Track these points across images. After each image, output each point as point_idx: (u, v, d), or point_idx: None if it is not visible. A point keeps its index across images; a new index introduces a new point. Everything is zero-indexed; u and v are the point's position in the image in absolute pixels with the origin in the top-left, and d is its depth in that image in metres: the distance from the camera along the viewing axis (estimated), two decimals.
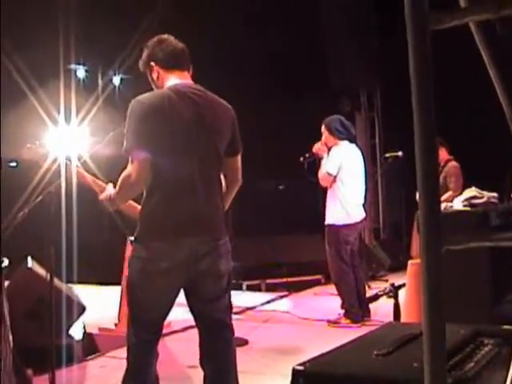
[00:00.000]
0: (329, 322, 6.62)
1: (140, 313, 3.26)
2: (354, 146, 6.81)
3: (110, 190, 3.38)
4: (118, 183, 3.21)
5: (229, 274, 3.36)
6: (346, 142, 6.68)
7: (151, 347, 3.28)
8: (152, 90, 3.49)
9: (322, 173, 6.62)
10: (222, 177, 3.44)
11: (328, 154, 6.66)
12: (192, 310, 3.39)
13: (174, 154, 3.18)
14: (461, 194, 5.25)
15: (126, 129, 3.18)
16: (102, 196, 3.39)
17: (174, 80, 3.37)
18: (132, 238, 3.26)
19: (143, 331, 3.25)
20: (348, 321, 6.49)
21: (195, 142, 3.22)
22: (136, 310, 3.27)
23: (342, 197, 6.58)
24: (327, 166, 6.57)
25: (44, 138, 3.94)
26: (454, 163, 8.01)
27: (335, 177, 6.55)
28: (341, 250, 6.56)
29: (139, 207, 3.30)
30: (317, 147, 6.77)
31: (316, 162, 6.83)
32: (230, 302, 3.45)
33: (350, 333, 5.37)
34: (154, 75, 3.42)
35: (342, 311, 6.60)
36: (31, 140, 3.82)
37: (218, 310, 3.36)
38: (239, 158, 3.51)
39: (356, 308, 6.52)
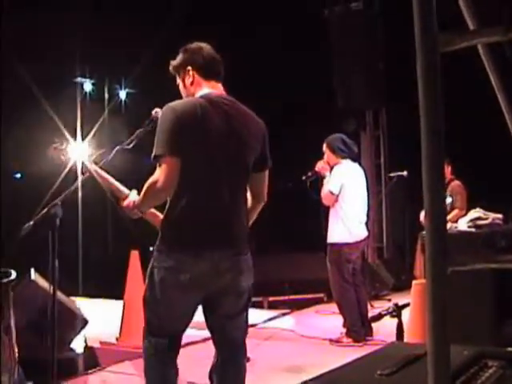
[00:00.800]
0: (331, 340, 6.59)
1: (158, 324, 3.21)
2: (356, 164, 6.82)
3: (133, 196, 3.32)
4: (144, 189, 3.13)
5: (249, 290, 3.32)
6: (347, 161, 6.68)
7: (171, 360, 3.25)
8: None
9: (324, 192, 6.62)
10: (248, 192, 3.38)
11: (330, 172, 6.65)
12: (209, 326, 3.34)
13: (202, 164, 3.12)
14: (466, 214, 5.26)
15: (156, 134, 3.12)
16: (125, 203, 3.32)
17: (207, 89, 3.33)
18: (151, 249, 3.22)
19: (162, 343, 3.21)
20: (350, 339, 6.46)
21: (225, 153, 3.17)
22: (154, 321, 3.22)
23: (344, 215, 6.57)
24: (329, 185, 6.57)
25: (63, 143, 3.94)
26: (457, 182, 8.03)
27: (337, 196, 6.54)
28: (342, 269, 6.54)
29: (160, 216, 3.26)
30: (319, 166, 6.77)
31: (319, 180, 6.83)
32: (247, 322, 3.42)
33: (353, 352, 5.35)
34: (188, 80, 3.37)
35: (344, 330, 6.57)
36: (54, 141, 3.83)
37: (235, 328, 3.33)
38: (267, 174, 3.44)
39: (358, 327, 6.49)
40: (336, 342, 6.52)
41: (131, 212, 3.31)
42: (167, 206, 3.16)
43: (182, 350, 5.97)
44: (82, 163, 3.74)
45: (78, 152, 4.03)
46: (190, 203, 3.09)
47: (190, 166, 3.08)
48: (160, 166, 3.06)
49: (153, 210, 3.36)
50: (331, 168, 6.69)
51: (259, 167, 3.35)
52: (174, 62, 3.46)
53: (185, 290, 3.10)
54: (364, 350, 3.11)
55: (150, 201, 3.19)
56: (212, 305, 3.25)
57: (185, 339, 5.92)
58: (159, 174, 3.05)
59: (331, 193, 6.54)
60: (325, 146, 6.75)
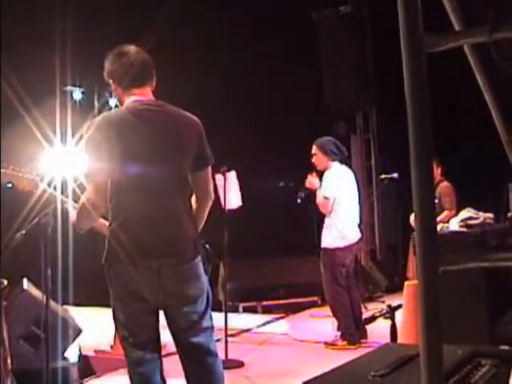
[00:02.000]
0: (326, 343, 6.59)
1: (127, 335, 3.21)
2: (345, 166, 6.84)
3: (72, 213, 3.37)
4: (77, 209, 3.20)
5: (202, 297, 3.23)
6: (337, 163, 6.70)
7: (155, 369, 3.23)
8: None
9: (319, 200, 6.62)
10: (193, 196, 3.35)
11: (320, 179, 6.65)
12: (173, 338, 3.31)
13: (132, 176, 3.11)
14: (456, 214, 5.28)
15: (85, 151, 3.12)
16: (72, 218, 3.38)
17: (133, 97, 3.27)
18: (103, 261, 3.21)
19: (138, 353, 3.19)
20: (345, 342, 6.46)
21: (155, 161, 3.14)
22: (123, 332, 3.22)
23: (336, 220, 6.58)
24: (323, 191, 6.58)
25: (40, 159, 3.92)
26: (445, 183, 8.04)
27: (333, 199, 6.54)
28: (336, 273, 6.55)
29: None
30: (309, 180, 6.75)
31: (310, 196, 6.83)
32: (210, 326, 3.31)
33: (347, 354, 5.35)
34: (114, 91, 3.36)
35: (339, 333, 6.57)
36: (24, 165, 3.80)
37: (194, 336, 3.24)
38: (208, 171, 3.39)
39: (352, 330, 6.49)
40: (331, 345, 6.52)
41: (77, 228, 3.34)
42: (109, 220, 3.18)
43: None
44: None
45: (67, 161, 4.02)
46: (125, 216, 3.10)
47: (121, 180, 3.10)
48: (89, 182, 3.12)
49: (102, 221, 3.34)
50: (321, 172, 6.69)
51: (199, 166, 3.32)
52: (104, 75, 3.42)
53: (133, 300, 3.12)
54: (358, 353, 3.11)
55: (84, 218, 3.23)
56: (167, 316, 3.23)
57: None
58: (89, 192, 3.11)
59: (325, 197, 6.55)
60: (315, 148, 6.75)
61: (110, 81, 3.35)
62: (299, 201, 6.96)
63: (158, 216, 3.13)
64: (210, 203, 3.43)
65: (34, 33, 9.36)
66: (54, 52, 9.29)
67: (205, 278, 3.26)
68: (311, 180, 6.74)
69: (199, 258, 3.22)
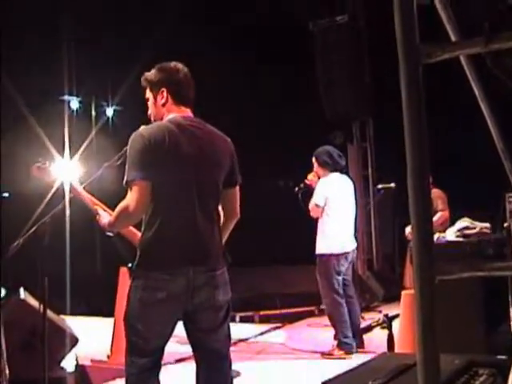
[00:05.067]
0: (322, 354, 6.58)
1: (138, 342, 3.24)
2: (343, 176, 6.86)
3: (105, 217, 3.43)
4: (115, 212, 3.26)
5: (227, 304, 3.36)
6: (334, 174, 6.73)
7: (153, 377, 3.29)
8: (146, 116, 3.52)
9: (311, 204, 6.66)
10: (220, 209, 3.46)
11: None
12: (190, 340, 3.39)
13: (173, 186, 3.22)
14: (453, 222, 5.29)
15: (127, 160, 3.22)
16: (99, 221, 3.45)
17: (176, 113, 3.39)
18: (130, 265, 3.27)
19: (142, 361, 3.24)
20: (341, 352, 6.43)
21: (195, 174, 3.26)
22: (134, 339, 3.25)
23: (330, 227, 6.60)
24: (314, 198, 6.64)
25: (47, 162, 3.94)
26: (436, 189, 8.09)
27: (323, 207, 6.58)
28: (332, 281, 6.54)
29: (139, 234, 3.32)
30: (310, 178, 6.83)
31: (309, 192, 6.87)
32: (229, 333, 3.44)
33: (344, 364, 5.35)
34: (161, 100, 3.41)
35: (335, 342, 6.56)
36: (37, 160, 3.83)
37: (216, 341, 3.35)
38: (237, 189, 3.53)
39: (350, 339, 6.47)
40: (328, 354, 6.51)
41: (105, 230, 3.42)
42: (143, 228, 3.26)
43: (173, 366, 5.97)
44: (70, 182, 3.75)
45: (65, 170, 4.03)
46: (163, 224, 3.18)
47: (161, 188, 3.19)
48: (131, 189, 3.17)
49: (131, 229, 3.46)
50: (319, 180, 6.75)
51: (229, 184, 3.46)
52: (148, 76, 3.49)
53: (162, 308, 3.18)
54: (355, 362, 3.11)
55: (121, 223, 3.33)
56: (190, 320, 3.30)
57: (176, 356, 5.95)
58: (130, 198, 3.16)
59: (316, 205, 6.60)
60: (313, 158, 6.81)
61: (164, 89, 3.41)
62: (299, 195, 6.99)
63: (196, 224, 3.24)
64: (235, 220, 3.57)
65: (31, 42, 9.38)
66: (51, 62, 9.31)
67: (229, 287, 3.38)
68: (312, 178, 6.85)
69: (226, 266, 3.38)
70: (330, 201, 6.59)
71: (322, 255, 6.62)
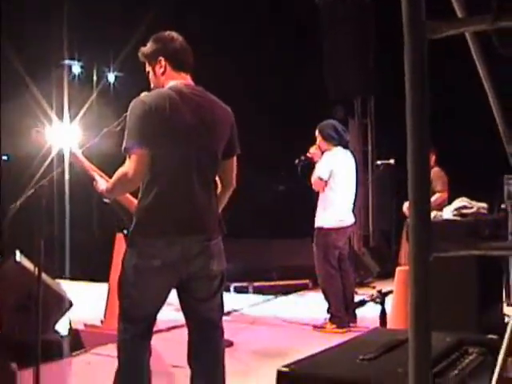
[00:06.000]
0: (314, 326, 6.61)
1: (131, 308, 3.28)
2: (347, 151, 6.83)
3: (103, 184, 3.42)
4: (113, 179, 3.26)
5: (222, 274, 3.38)
6: (338, 148, 6.71)
7: (144, 343, 3.32)
8: (147, 83, 3.51)
9: (314, 177, 6.65)
10: (217, 178, 3.46)
11: (321, 158, 6.69)
12: (183, 309, 3.42)
13: (172, 154, 3.22)
14: (449, 199, 5.30)
15: (126, 127, 3.21)
16: (97, 186, 3.45)
17: (177, 80, 3.38)
18: (125, 232, 3.29)
19: (134, 327, 3.27)
20: (333, 326, 6.45)
21: (194, 143, 3.26)
22: (127, 305, 3.28)
23: (332, 201, 6.59)
24: (319, 171, 6.61)
25: (45, 127, 3.94)
26: (437, 168, 8.05)
27: (327, 181, 6.57)
28: (329, 254, 6.56)
29: (135, 201, 3.32)
30: (312, 151, 6.81)
31: (310, 165, 6.86)
32: (222, 303, 3.47)
33: (337, 337, 5.38)
34: (159, 70, 3.42)
35: (328, 316, 6.58)
36: (35, 125, 3.83)
37: (209, 310, 3.38)
38: (235, 160, 3.53)
39: (342, 313, 6.49)
40: (320, 328, 6.54)
41: (103, 196, 3.43)
42: (140, 195, 3.26)
43: (166, 334, 6.01)
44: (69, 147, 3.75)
45: (64, 134, 4.02)
46: (160, 192, 3.19)
47: (160, 157, 3.19)
48: (129, 157, 3.17)
49: (128, 196, 3.47)
50: (322, 154, 6.72)
51: (227, 154, 3.46)
52: (144, 50, 3.49)
53: (157, 275, 3.19)
54: (347, 336, 3.13)
55: (118, 190, 3.34)
56: (184, 289, 3.33)
57: (170, 323, 5.99)
58: (129, 166, 3.17)
59: (320, 178, 6.58)
60: (317, 131, 6.78)
61: (161, 58, 3.41)
62: (299, 168, 6.99)
63: (194, 193, 3.25)
64: (232, 190, 3.58)
65: (32, 6, 9.31)
66: (52, 26, 9.25)
67: (224, 256, 3.40)
68: (314, 151, 6.81)
69: (221, 236, 3.39)
70: (334, 175, 6.58)
71: (321, 228, 6.62)
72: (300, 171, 6.93)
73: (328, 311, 6.60)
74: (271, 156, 11.08)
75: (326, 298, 6.64)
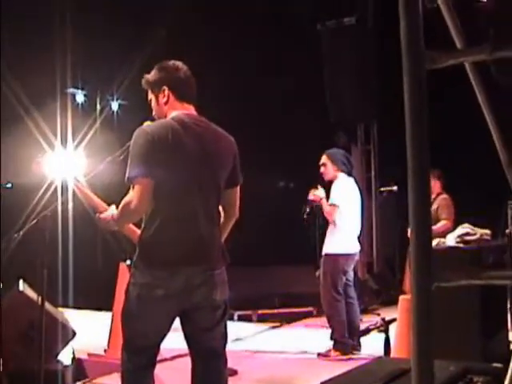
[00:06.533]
0: (319, 354, 6.57)
1: (135, 338, 3.27)
2: (352, 179, 6.88)
3: (111, 211, 3.40)
4: (119, 209, 3.25)
5: (225, 304, 3.37)
6: (345, 175, 6.74)
7: (148, 373, 3.30)
8: (151, 111, 3.52)
9: (326, 208, 6.61)
10: (220, 208, 3.46)
11: (324, 187, 6.70)
12: (186, 338, 3.41)
13: (175, 184, 3.21)
14: (454, 228, 5.28)
15: (130, 156, 3.21)
16: (102, 215, 3.40)
17: (180, 110, 3.38)
18: (128, 262, 3.29)
19: (138, 357, 3.26)
20: (338, 353, 6.41)
21: (197, 173, 3.26)
22: (131, 335, 3.28)
23: (342, 228, 6.60)
24: (333, 198, 6.59)
25: (46, 158, 3.95)
26: (444, 195, 7.99)
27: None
28: (337, 280, 6.54)
29: (138, 231, 3.32)
30: (312, 194, 6.79)
31: (314, 208, 6.87)
32: (226, 332, 3.45)
33: (341, 366, 5.35)
34: (163, 99, 3.41)
35: (331, 342, 6.54)
36: (36, 157, 3.84)
37: (212, 339, 3.37)
38: (237, 190, 3.53)
39: (346, 339, 6.47)
40: (324, 356, 6.50)
41: (107, 225, 3.39)
42: (143, 225, 3.26)
43: (171, 363, 5.97)
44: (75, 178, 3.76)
45: (67, 164, 4.03)
46: (164, 222, 3.19)
47: (163, 186, 3.18)
48: (133, 187, 3.17)
49: (131, 226, 3.45)
50: (329, 182, 6.72)
51: (230, 184, 3.47)
52: (148, 78, 3.50)
53: (160, 305, 3.19)
54: (351, 365, 3.12)
55: (124, 220, 3.31)
56: (187, 318, 3.32)
57: (174, 352, 5.95)
58: (132, 196, 3.16)
59: (334, 205, 6.56)
60: (326, 158, 6.78)
61: (165, 87, 3.41)
62: (305, 216, 7.00)
63: (197, 224, 3.25)
64: (234, 220, 3.58)
65: (35, 34, 9.37)
66: (55, 54, 9.30)
67: (227, 286, 3.40)
68: (315, 193, 6.76)
69: (224, 266, 3.39)
70: (344, 202, 6.60)
71: (330, 254, 6.61)
72: (306, 221, 6.95)
73: (331, 338, 6.56)
74: (271, 183, 11.10)
75: (330, 323, 6.61)
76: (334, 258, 6.58)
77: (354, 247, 6.68)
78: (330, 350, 6.50)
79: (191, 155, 3.24)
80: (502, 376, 2.00)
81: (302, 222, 7.03)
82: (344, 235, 6.60)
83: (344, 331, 6.47)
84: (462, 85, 1.71)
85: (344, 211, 6.59)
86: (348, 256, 6.61)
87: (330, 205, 6.57)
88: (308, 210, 6.94)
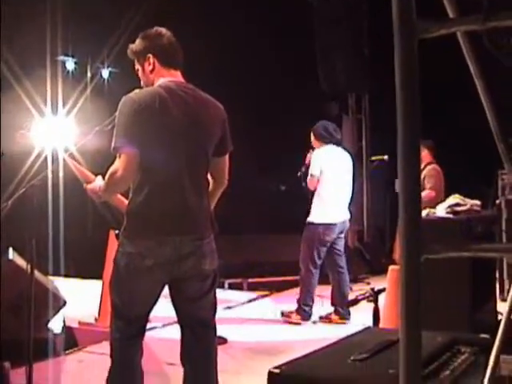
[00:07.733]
0: (282, 315, 6.86)
1: (123, 308, 3.27)
2: (339, 149, 6.94)
3: (98, 182, 3.38)
4: (105, 179, 3.22)
5: (214, 273, 3.37)
6: (329, 146, 6.84)
7: (136, 343, 3.31)
8: (139, 80, 3.49)
9: (308, 178, 6.80)
10: (208, 176, 3.44)
11: None
12: (176, 308, 3.40)
13: (162, 152, 3.18)
14: (443, 200, 5.28)
15: (115, 125, 3.18)
16: (89, 186, 3.39)
17: (166, 77, 3.35)
18: (117, 232, 3.27)
19: (127, 326, 3.26)
20: (298, 317, 6.71)
21: (184, 141, 3.23)
22: (119, 304, 3.28)
23: (321, 197, 6.74)
24: (310, 169, 6.76)
25: (31, 128, 3.92)
26: (434, 166, 7.97)
27: (318, 178, 6.69)
28: (313, 249, 6.71)
29: (126, 202, 3.30)
30: (308, 158, 6.98)
31: (306, 173, 6.98)
32: (215, 302, 3.45)
33: (332, 335, 5.38)
34: (149, 67, 3.38)
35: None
36: (21, 128, 3.80)
37: (201, 309, 3.37)
38: (227, 158, 3.50)
39: (309, 307, 6.71)
40: (286, 316, 6.80)
41: (95, 195, 3.39)
42: (130, 194, 3.24)
43: (161, 331, 5.99)
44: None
45: (58, 131, 4.01)
46: (151, 191, 3.17)
47: (150, 155, 3.15)
48: (119, 156, 3.13)
49: (119, 197, 3.43)
50: None
51: (219, 152, 3.43)
52: (133, 47, 3.47)
53: (149, 275, 3.17)
54: (340, 335, 3.13)
55: (110, 189, 3.28)
56: (176, 288, 3.32)
57: (164, 320, 5.98)
58: (118, 165, 3.13)
59: (311, 175, 6.74)
60: (311, 132, 6.96)
61: (149, 55, 3.38)
62: (299, 174, 7.14)
63: (185, 192, 3.23)
64: (223, 189, 3.55)
65: (25, 1, 9.26)
66: (45, 21, 9.20)
67: (216, 255, 3.38)
68: (309, 156, 6.98)
69: (213, 234, 3.37)
70: (323, 171, 6.70)
71: (310, 223, 6.78)
72: (303, 181, 7.04)
73: (298, 302, 6.79)
74: (271, 156, 11.09)
75: (301, 289, 6.85)
76: (313, 227, 6.74)
77: (334, 217, 6.75)
78: (291, 313, 6.79)
79: (178, 123, 3.21)
80: (489, 347, 2.02)
81: (298, 179, 7.17)
82: (323, 205, 6.73)
83: (309, 301, 6.72)
84: (455, 54, 1.69)
85: (323, 181, 6.72)
86: (326, 225, 6.70)
87: (310, 175, 6.76)
88: (303, 169, 7.07)
